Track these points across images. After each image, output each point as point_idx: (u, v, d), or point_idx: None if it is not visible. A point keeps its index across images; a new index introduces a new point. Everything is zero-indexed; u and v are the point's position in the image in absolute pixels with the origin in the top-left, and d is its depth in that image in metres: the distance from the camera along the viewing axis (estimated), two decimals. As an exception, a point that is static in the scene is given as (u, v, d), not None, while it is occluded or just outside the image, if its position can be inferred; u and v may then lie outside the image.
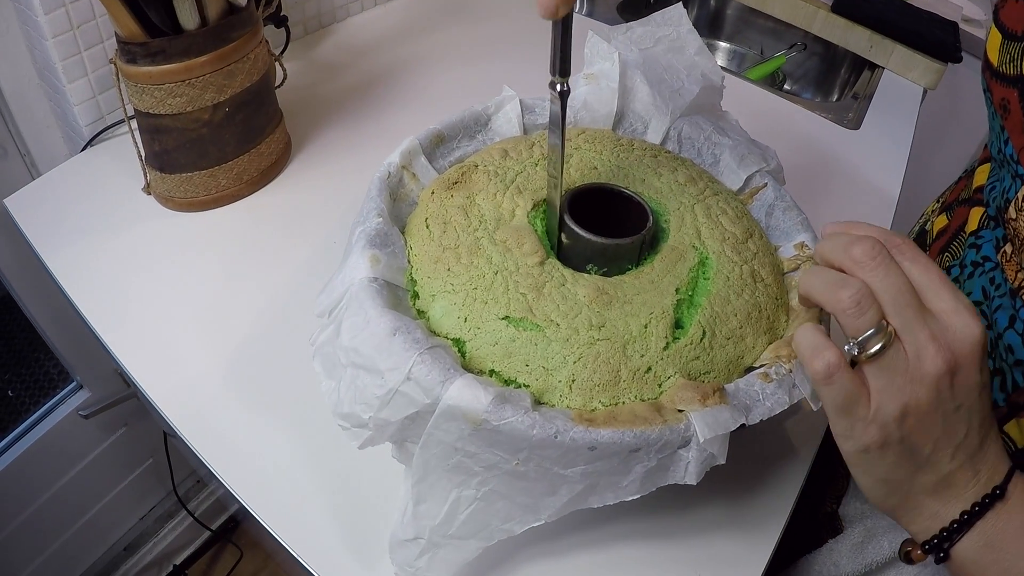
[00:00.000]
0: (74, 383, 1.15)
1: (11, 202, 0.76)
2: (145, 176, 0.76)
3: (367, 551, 0.54)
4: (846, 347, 0.40)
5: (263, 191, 0.78)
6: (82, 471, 1.18)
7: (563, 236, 0.52)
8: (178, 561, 1.38)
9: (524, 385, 0.47)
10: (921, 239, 0.66)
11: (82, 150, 0.82)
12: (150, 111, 0.69)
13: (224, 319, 0.67)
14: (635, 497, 0.46)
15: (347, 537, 0.55)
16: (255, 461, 0.59)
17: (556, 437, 0.42)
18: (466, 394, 0.43)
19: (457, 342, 0.48)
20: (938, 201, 0.69)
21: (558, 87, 0.48)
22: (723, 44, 1.30)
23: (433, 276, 0.51)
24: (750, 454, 0.61)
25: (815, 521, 0.67)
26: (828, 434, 0.63)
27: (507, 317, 0.48)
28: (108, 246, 0.72)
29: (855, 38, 1.09)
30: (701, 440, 0.43)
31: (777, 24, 1.20)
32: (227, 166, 0.74)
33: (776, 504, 0.59)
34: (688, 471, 0.45)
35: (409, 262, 0.53)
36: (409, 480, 0.47)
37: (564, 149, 0.51)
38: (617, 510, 0.46)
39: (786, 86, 1.25)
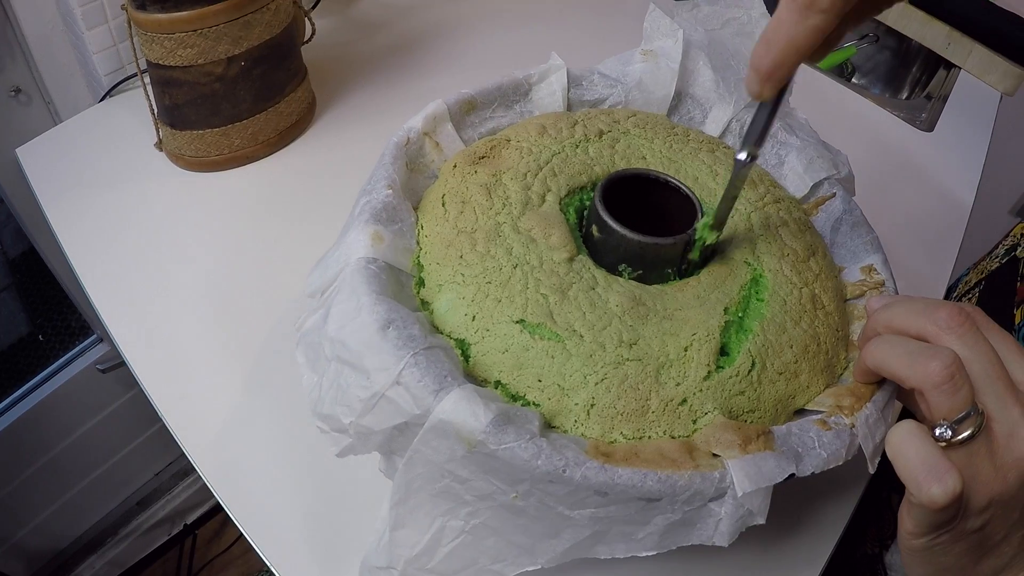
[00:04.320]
0: (95, 336, 1.09)
1: (23, 151, 0.70)
2: (157, 132, 0.68)
3: (337, 566, 0.46)
4: (936, 431, 0.32)
5: (281, 153, 0.69)
6: (100, 423, 1.14)
7: (594, 229, 0.42)
8: (189, 520, 1.32)
9: (534, 404, 0.37)
10: (1012, 267, 0.55)
11: (100, 100, 0.75)
12: (160, 62, 0.61)
13: (224, 290, 0.59)
14: (651, 553, 0.36)
15: (319, 547, 0.47)
16: (235, 449, 0.51)
17: (564, 472, 0.33)
18: (462, 409, 0.34)
19: (461, 344, 0.39)
20: None
21: (744, 155, 0.39)
22: (791, 30, 1.19)
23: (443, 263, 0.41)
24: (786, 490, 0.51)
25: (852, 563, 0.57)
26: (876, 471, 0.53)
27: (522, 321, 0.38)
28: (111, 201, 0.65)
29: (932, 33, 0.97)
30: (739, 494, 0.33)
31: (850, 13, 1.09)
32: (241, 125, 0.65)
33: (812, 550, 0.49)
34: (719, 530, 0.35)
35: (418, 243, 0.43)
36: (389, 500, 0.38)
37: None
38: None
39: (854, 79, 1.13)
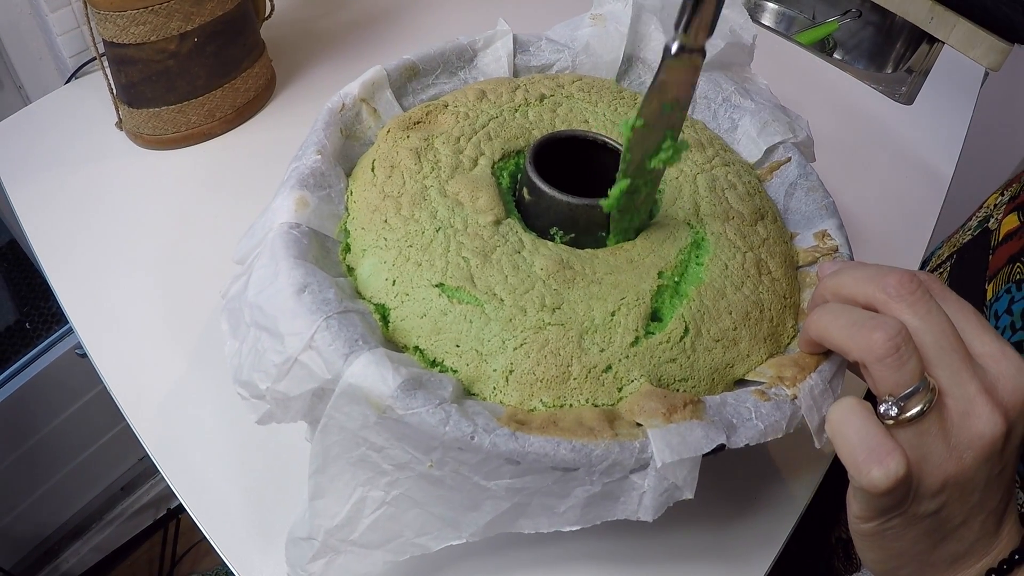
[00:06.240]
0: (74, 320, 1.08)
1: (-10, 137, 0.69)
2: (117, 111, 0.67)
3: (280, 539, 0.45)
4: (881, 408, 0.29)
5: (240, 130, 0.68)
6: (82, 408, 1.12)
7: (525, 191, 0.40)
8: (173, 505, 1.31)
9: (452, 370, 0.36)
10: (984, 239, 0.53)
11: (66, 83, 0.74)
12: (114, 40, 0.61)
13: (178, 268, 0.58)
14: (575, 528, 0.34)
15: (258, 519, 0.46)
16: (181, 423, 0.50)
17: (473, 439, 0.32)
18: (371, 373, 0.32)
19: (381, 308, 0.37)
20: (1002, 193, 0.55)
21: (674, 46, 0.32)
22: (771, 5, 1.16)
23: (367, 227, 0.40)
24: (742, 465, 0.49)
25: (826, 548, 0.55)
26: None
27: (441, 284, 0.37)
28: (72, 182, 0.64)
29: (915, 8, 0.94)
30: (659, 464, 0.32)
31: (832, -13, 1.07)
32: (197, 101, 0.64)
33: (769, 532, 0.47)
34: (643, 504, 0.33)
35: (347, 209, 0.42)
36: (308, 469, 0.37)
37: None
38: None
39: (836, 55, 1.10)
